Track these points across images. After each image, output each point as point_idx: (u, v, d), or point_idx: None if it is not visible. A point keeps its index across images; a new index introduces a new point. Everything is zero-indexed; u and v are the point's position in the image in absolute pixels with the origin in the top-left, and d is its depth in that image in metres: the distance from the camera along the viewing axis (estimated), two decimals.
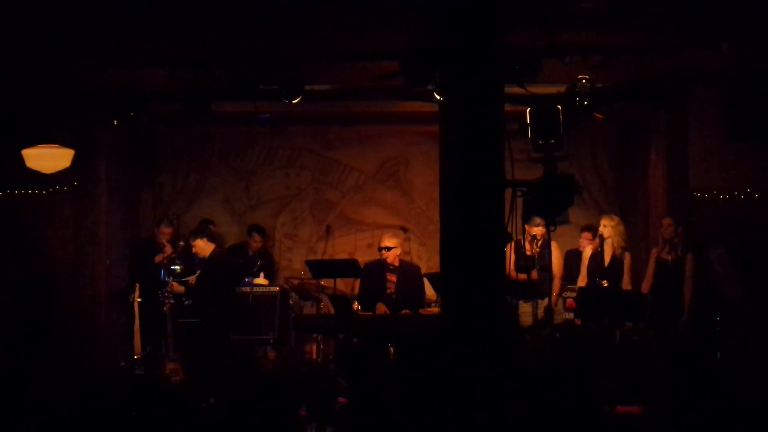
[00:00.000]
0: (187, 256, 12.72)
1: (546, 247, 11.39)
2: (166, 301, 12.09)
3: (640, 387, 9.28)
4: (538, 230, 11.23)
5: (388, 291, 11.71)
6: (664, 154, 13.00)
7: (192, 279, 12.52)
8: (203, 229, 12.75)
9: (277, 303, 12.96)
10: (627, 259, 11.82)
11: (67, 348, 12.44)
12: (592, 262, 11.88)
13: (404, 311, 11.47)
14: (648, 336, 11.62)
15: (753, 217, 12.08)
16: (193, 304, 12.40)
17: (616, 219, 11.95)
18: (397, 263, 11.80)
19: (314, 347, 12.96)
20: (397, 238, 12.02)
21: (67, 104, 12.61)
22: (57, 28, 10.27)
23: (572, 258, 12.57)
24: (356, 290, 12.61)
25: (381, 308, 11.51)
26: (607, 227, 11.78)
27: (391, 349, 11.36)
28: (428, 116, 12.42)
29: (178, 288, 12.36)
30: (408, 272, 11.90)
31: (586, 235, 12.94)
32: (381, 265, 11.79)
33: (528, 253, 11.28)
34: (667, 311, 11.42)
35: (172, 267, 12.57)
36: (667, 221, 11.79)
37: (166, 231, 13.35)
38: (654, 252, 11.88)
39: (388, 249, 11.71)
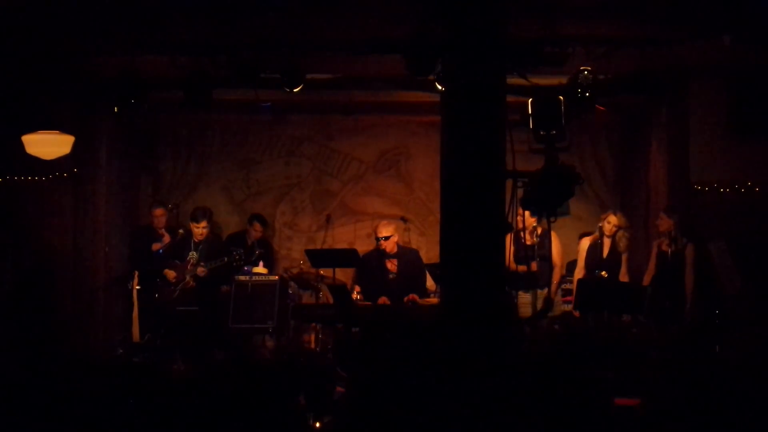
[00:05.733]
0: (186, 243, 12.74)
1: (545, 237, 11.39)
2: (173, 288, 12.22)
3: (638, 379, 9.27)
4: (535, 220, 11.22)
5: (390, 278, 11.74)
6: (665, 147, 13.00)
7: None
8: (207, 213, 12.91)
9: (276, 292, 12.95)
10: (625, 254, 11.82)
11: (65, 335, 12.44)
12: (590, 254, 11.87)
13: (408, 296, 11.49)
14: (647, 328, 11.62)
15: (753, 210, 12.06)
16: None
17: (623, 220, 11.84)
18: (395, 250, 11.81)
19: (313, 336, 12.95)
20: (393, 226, 12.02)
21: (68, 91, 12.57)
22: (57, 14, 10.24)
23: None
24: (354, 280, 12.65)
25: (383, 300, 11.53)
26: (611, 225, 11.72)
27: (390, 340, 11.38)
28: (429, 106, 12.42)
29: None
30: (407, 257, 11.94)
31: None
32: (379, 254, 11.80)
33: (528, 243, 11.27)
34: (667, 303, 11.42)
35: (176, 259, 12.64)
36: (660, 214, 11.82)
37: (157, 213, 13.27)
38: (655, 244, 11.88)
39: (387, 238, 11.73)
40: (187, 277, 12.44)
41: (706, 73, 12.02)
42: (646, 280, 11.81)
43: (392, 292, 11.61)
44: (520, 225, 10.45)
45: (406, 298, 11.55)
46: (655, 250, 11.85)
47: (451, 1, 7.33)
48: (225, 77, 11.15)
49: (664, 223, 11.69)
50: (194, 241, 12.68)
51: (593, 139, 14.88)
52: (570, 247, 12.19)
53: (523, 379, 6.86)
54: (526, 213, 9.81)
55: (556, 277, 11.75)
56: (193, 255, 12.57)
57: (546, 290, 11.37)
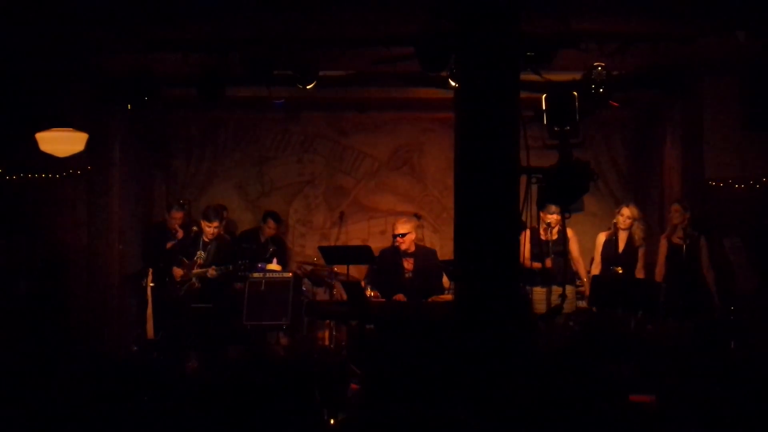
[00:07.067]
0: (196, 241, 12.73)
1: (561, 234, 11.36)
2: (179, 287, 12.19)
3: (653, 375, 9.24)
4: (552, 218, 11.21)
5: (406, 276, 11.70)
6: (679, 143, 12.97)
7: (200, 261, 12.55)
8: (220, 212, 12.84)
9: (289, 289, 12.94)
10: (642, 248, 11.79)
11: (79, 332, 12.46)
12: (606, 249, 11.84)
13: (427, 299, 11.47)
14: (663, 324, 11.58)
15: None
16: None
17: (636, 211, 11.81)
18: (413, 248, 11.77)
19: (327, 333, 12.96)
20: (411, 224, 12.01)
21: (82, 88, 12.59)
22: (71, 12, 10.24)
23: None
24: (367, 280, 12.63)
25: (399, 297, 11.50)
26: (624, 218, 11.69)
27: (404, 336, 11.36)
28: (443, 103, 12.38)
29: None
30: (425, 256, 11.89)
31: None
32: (396, 252, 11.77)
33: (543, 239, 11.26)
34: (685, 297, 11.37)
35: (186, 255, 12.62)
36: (674, 207, 11.79)
37: (176, 216, 13.30)
38: (664, 238, 11.85)
39: (403, 236, 11.69)
40: (193, 278, 12.41)
41: (720, 69, 11.98)
42: (658, 275, 11.77)
43: (408, 290, 11.58)
44: (536, 222, 10.45)
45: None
46: (665, 245, 11.81)
47: None
48: (238, 74, 11.15)
49: (678, 216, 11.66)
50: (203, 241, 12.61)
51: (607, 135, 14.84)
52: (583, 244, 12.16)
53: (537, 375, 6.85)
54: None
55: (582, 271, 11.80)
56: (200, 254, 12.52)
57: (561, 288, 11.36)
